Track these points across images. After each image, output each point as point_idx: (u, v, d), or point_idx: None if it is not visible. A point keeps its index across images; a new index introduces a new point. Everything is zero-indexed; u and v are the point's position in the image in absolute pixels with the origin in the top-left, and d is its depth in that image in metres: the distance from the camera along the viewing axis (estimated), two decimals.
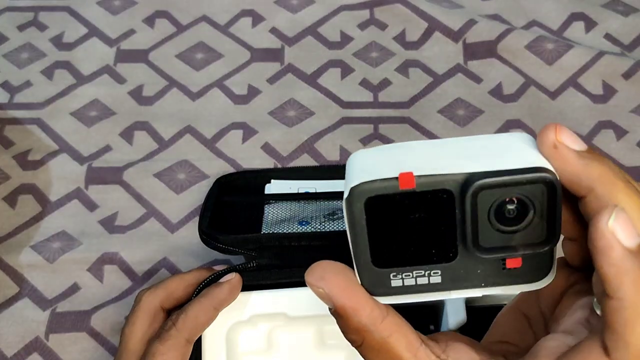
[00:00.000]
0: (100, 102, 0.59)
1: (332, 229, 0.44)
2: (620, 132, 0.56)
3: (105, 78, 0.60)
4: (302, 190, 0.51)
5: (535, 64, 0.60)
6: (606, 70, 0.59)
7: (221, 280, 0.39)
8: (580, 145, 0.23)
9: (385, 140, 0.56)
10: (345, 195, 0.23)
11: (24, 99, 0.59)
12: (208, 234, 0.45)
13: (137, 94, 0.59)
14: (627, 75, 0.58)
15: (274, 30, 0.63)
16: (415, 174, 0.22)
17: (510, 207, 0.23)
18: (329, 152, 0.55)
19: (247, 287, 0.40)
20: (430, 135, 0.56)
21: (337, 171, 0.53)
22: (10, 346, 0.46)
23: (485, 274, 0.25)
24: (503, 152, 0.24)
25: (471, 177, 0.22)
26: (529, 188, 0.23)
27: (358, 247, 0.24)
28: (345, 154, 0.55)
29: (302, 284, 0.40)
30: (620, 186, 0.22)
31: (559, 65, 0.59)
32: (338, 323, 0.25)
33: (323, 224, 0.45)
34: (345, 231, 0.45)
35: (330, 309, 0.25)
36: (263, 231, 0.45)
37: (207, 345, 0.39)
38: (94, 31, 0.64)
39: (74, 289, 0.49)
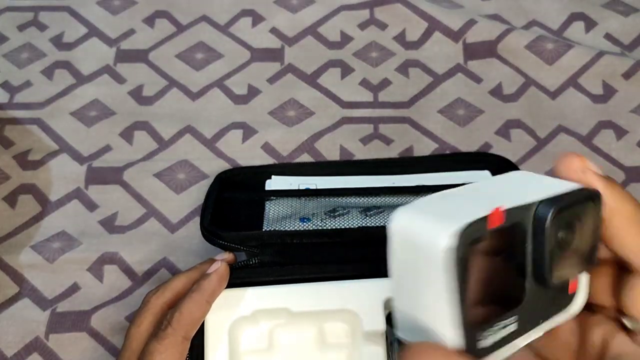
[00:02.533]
0: (100, 102, 0.59)
1: (333, 226, 0.44)
2: (621, 132, 0.56)
3: (105, 78, 0.60)
4: (302, 187, 0.51)
5: (535, 63, 0.60)
6: (606, 70, 0.59)
7: (208, 271, 0.39)
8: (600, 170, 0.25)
9: (386, 140, 0.56)
10: (444, 246, 0.20)
11: (23, 99, 0.59)
12: (210, 231, 0.45)
13: (137, 94, 0.59)
14: (627, 75, 0.58)
15: (274, 30, 0.63)
16: (502, 208, 0.21)
17: (567, 229, 0.23)
18: (329, 151, 0.55)
19: (248, 284, 0.40)
20: (430, 135, 0.56)
21: (337, 167, 0.53)
22: (10, 346, 0.46)
23: (550, 306, 0.25)
24: (535, 185, 0.24)
25: (546, 203, 0.23)
26: (583, 207, 0.24)
27: (458, 302, 0.21)
28: (345, 153, 0.55)
29: (303, 280, 0.40)
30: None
31: (559, 65, 0.59)
32: None
33: (324, 220, 0.45)
34: (344, 229, 0.45)
35: None
36: (264, 228, 0.45)
37: (209, 343, 0.39)
38: (94, 31, 0.64)
39: (74, 288, 0.49)
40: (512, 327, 0.23)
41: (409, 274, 0.22)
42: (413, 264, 0.21)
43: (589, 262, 0.24)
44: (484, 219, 0.21)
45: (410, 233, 0.21)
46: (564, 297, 0.25)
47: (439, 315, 0.21)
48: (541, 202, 0.23)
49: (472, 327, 0.22)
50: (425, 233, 0.21)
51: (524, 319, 0.23)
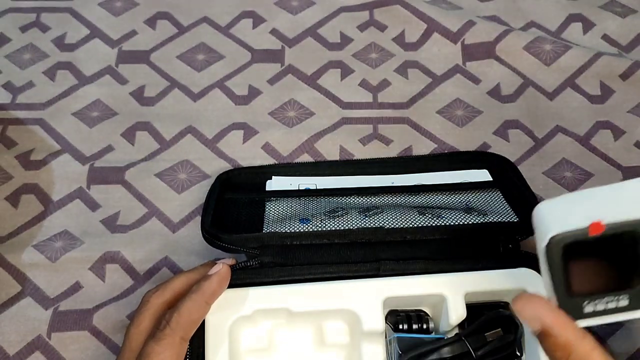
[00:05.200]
0: (102, 102, 0.59)
1: (333, 227, 0.44)
2: (618, 132, 0.56)
3: (107, 79, 0.61)
4: (302, 187, 0.51)
5: (534, 64, 0.60)
6: (604, 71, 0.59)
7: (209, 272, 0.40)
8: None
9: (385, 140, 0.56)
10: (545, 244, 0.28)
11: (26, 99, 0.59)
12: (211, 233, 0.45)
13: (138, 95, 0.60)
14: (624, 76, 0.59)
15: (274, 32, 0.64)
16: (603, 222, 0.27)
17: None
18: (329, 152, 0.56)
19: (249, 284, 0.41)
20: (429, 136, 0.56)
21: (337, 167, 0.53)
22: (13, 345, 0.47)
23: None
24: None
25: None
26: None
27: (555, 283, 0.29)
28: (345, 153, 0.55)
29: (303, 281, 0.41)
30: None
31: (557, 66, 0.60)
32: (544, 343, 0.30)
33: (324, 221, 0.45)
34: (344, 230, 0.46)
35: (535, 333, 0.30)
36: (265, 229, 0.45)
37: (209, 342, 0.39)
38: (95, 32, 0.64)
39: (75, 287, 0.49)
40: (623, 303, 0.29)
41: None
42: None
43: None
44: (583, 230, 0.27)
45: (539, 224, 0.30)
46: None
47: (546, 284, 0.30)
48: None
49: (577, 296, 0.29)
50: (543, 231, 0.29)
51: (638, 298, 0.29)
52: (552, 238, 0.28)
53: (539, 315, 0.29)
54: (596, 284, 0.29)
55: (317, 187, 0.51)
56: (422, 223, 0.44)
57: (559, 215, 0.29)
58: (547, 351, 0.30)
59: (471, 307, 0.39)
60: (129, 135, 0.57)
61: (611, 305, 0.29)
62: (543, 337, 0.29)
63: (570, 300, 0.29)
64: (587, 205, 0.28)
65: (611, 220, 0.27)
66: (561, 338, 0.29)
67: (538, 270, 0.33)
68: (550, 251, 0.28)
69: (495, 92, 0.59)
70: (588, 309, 0.29)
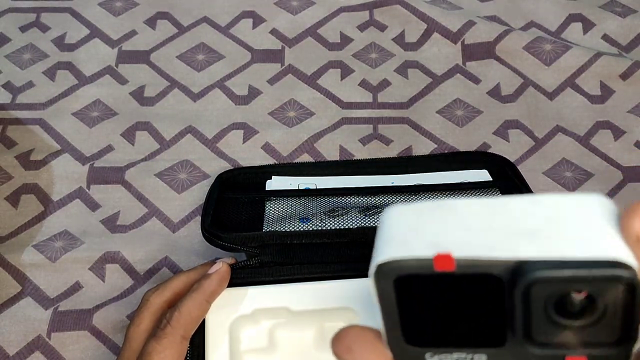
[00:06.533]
0: (102, 102, 0.59)
1: (332, 227, 0.44)
2: (618, 133, 0.56)
3: (107, 79, 0.61)
4: (302, 187, 0.51)
5: (534, 64, 0.60)
6: (604, 71, 0.59)
7: (209, 271, 0.40)
8: None
9: (385, 140, 0.56)
10: (372, 271, 0.20)
11: (26, 99, 0.59)
12: (211, 232, 0.45)
13: (138, 95, 0.60)
14: (624, 76, 0.59)
15: (274, 32, 0.64)
16: (454, 255, 0.19)
17: (575, 299, 0.19)
18: (329, 152, 0.56)
19: (248, 284, 0.41)
20: (429, 136, 0.56)
21: (337, 167, 0.53)
22: (12, 345, 0.47)
23: None
24: (570, 229, 0.19)
25: (524, 266, 0.18)
26: (601, 285, 0.18)
27: (389, 323, 0.21)
28: (344, 153, 0.55)
29: (303, 280, 0.41)
30: None
31: (557, 66, 0.60)
32: None
33: (323, 221, 0.45)
34: (344, 229, 0.45)
35: None
36: (264, 228, 0.46)
37: (210, 342, 0.39)
38: (95, 32, 0.64)
39: (75, 287, 0.49)
40: None
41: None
42: None
43: (612, 346, 0.19)
44: (429, 260, 0.19)
45: (377, 238, 0.21)
46: None
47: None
48: (527, 263, 0.18)
49: (417, 344, 0.21)
50: (375, 251, 0.20)
51: None
52: (381, 266, 0.19)
53: None
54: (446, 333, 0.20)
55: (317, 187, 0.51)
56: None
57: (402, 231, 0.20)
58: None
59: None
60: (129, 135, 0.57)
61: None
62: None
63: (406, 349, 0.21)
64: (446, 226, 0.20)
65: (464, 254, 0.19)
66: None
67: None
68: (379, 283, 0.20)
69: (495, 92, 0.59)
70: None
